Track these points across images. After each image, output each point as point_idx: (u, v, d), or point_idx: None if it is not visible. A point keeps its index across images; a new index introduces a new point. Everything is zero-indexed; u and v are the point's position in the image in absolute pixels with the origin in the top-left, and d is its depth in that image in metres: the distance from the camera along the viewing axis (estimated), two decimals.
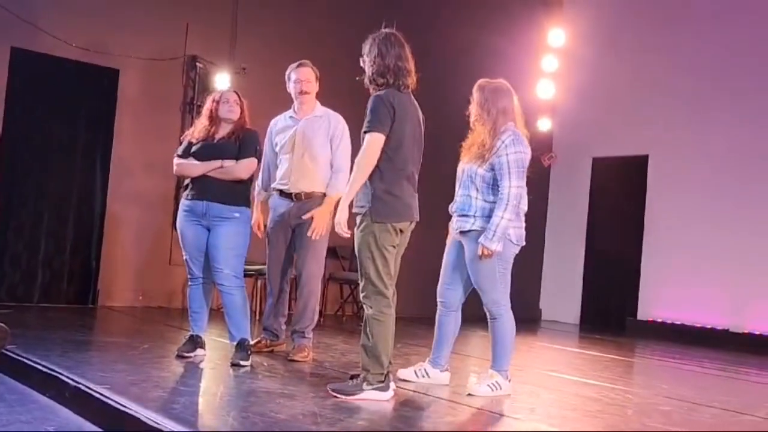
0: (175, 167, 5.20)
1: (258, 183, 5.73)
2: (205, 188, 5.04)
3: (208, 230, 5.06)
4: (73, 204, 8.05)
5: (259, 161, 5.19)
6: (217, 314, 6.15)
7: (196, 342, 5.20)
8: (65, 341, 5.53)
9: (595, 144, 11.20)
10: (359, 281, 4.28)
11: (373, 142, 4.17)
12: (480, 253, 4.53)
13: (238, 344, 5.03)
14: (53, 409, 3.99)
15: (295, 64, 5.62)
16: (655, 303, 10.39)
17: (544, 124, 11.42)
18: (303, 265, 5.51)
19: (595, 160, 11.30)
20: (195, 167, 5.07)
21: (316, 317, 5.65)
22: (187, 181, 5.20)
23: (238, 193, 5.08)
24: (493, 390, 4.55)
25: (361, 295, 4.27)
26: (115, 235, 8.19)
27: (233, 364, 4.90)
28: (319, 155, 5.46)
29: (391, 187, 4.22)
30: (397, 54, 4.26)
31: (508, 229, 4.55)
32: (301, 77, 5.54)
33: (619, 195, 11.09)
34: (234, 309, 5.07)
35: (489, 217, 4.57)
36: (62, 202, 7.98)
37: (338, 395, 4.16)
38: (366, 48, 4.34)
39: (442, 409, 4.29)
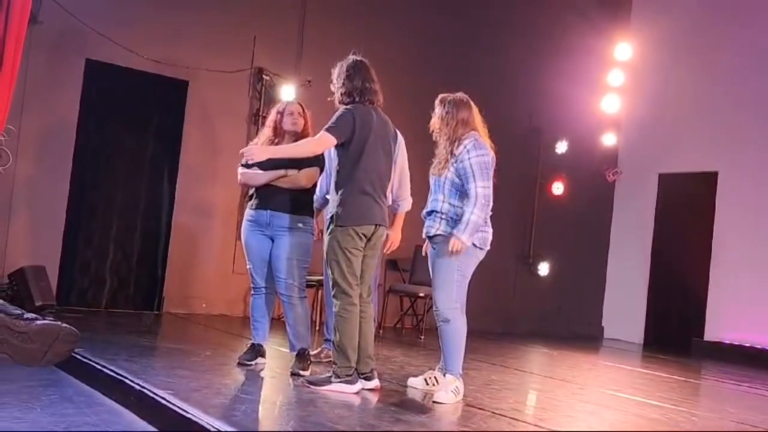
0: (239, 176, 5.28)
1: (318, 191, 5.71)
2: (269, 198, 5.11)
3: (272, 240, 5.13)
4: (141, 213, 8.26)
5: (322, 171, 5.23)
6: (277, 323, 6.21)
7: (257, 350, 5.26)
8: (131, 346, 5.67)
9: (662, 160, 10.97)
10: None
11: (325, 140, 4.52)
12: (452, 247, 4.58)
13: (298, 354, 5.07)
14: (119, 412, 4.08)
15: None
16: (723, 324, 10.09)
17: (609, 139, 11.28)
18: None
19: (662, 176, 11.08)
20: (258, 176, 5.14)
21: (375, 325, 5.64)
22: (251, 192, 5.28)
23: (301, 203, 5.13)
24: (456, 395, 4.62)
25: (332, 293, 4.61)
26: (180, 243, 8.36)
27: (293, 374, 4.93)
28: None
29: (353, 194, 4.52)
30: (363, 76, 4.61)
31: (480, 226, 4.61)
32: None
33: (687, 212, 10.84)
34: (295, 319, 5.12)
35: (453, 219, 4.66)
36: (130, 211, 8.19)
37: (310, 386, 4.52)
38: (335, 73, 4.69)
39: (494, 424, 4.25)
